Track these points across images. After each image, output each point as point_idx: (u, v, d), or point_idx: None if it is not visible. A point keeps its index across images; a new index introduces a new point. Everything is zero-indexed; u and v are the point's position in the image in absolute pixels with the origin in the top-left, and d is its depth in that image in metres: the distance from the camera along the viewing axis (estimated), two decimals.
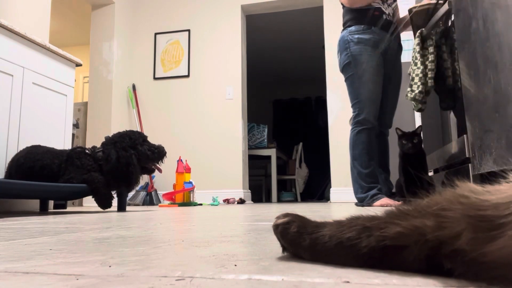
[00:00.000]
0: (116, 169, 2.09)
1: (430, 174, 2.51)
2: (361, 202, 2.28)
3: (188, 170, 3.49)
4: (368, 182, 2.26)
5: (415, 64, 2.04)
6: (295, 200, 5.53)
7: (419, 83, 1.99)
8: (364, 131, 2.30)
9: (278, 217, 0.44)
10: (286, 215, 0.43)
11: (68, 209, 2.85)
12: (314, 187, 6.84)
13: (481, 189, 0.29)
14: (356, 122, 2.33)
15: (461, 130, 1.83)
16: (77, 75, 6.29)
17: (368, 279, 0.31)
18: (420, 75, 2.00)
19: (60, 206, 2.77)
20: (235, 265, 0.39)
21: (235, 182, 4.09)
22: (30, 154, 2.05)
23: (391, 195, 2.40)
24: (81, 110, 4.17)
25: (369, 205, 2.21)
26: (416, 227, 0.31)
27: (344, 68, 2.41)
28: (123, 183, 2.14)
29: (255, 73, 7.83)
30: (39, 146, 2.15)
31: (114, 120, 4.10)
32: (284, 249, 0.44)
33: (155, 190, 4.02)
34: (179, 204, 3.36)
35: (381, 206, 2.12)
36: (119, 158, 2.10)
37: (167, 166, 4.26)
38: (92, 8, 4.31)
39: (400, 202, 2.14)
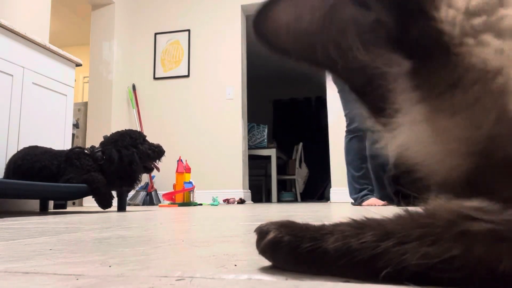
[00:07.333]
0: (120, 168, 2.08)
1: None
2: (354, 201, 2.59)
3: (188, 170, 3.49)
4: (361, 183, 2.53)
5: None
6: (295, 200, 5.53)
7: None
8: (355, 138, 2.60)
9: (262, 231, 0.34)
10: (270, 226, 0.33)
11: (68, 209, 2.85)
12: (314, 187, 6.84)
13: None
14: (348, 130, 2.61)
15: None
16: (77, 75, 6.28)
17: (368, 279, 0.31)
18: None
19: (60, 206, 2.77)
20: (235, 265, 0.39)
21: (235, 182, 4.09)
22: (28, 156, 2.01)
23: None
24: (81, 110, 4.17)
25: (359, 204, 2.47)
26: None
27: (336, 81, 2.51)
28: (126, 182, 2.14)
29: (255, 73, 7.83)
30: (35, 147, 2.11)
31: (114, 120, 4.09)
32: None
33: (155, 190, 4.02)
34: (179, 204, 3.36)
35: (369, 205, 2.36)
36: (122, 157, 2.10)
37: (167, 166, 4.25)
38: (92, 8, 4.31)
39: (384, 202, 2.31)
